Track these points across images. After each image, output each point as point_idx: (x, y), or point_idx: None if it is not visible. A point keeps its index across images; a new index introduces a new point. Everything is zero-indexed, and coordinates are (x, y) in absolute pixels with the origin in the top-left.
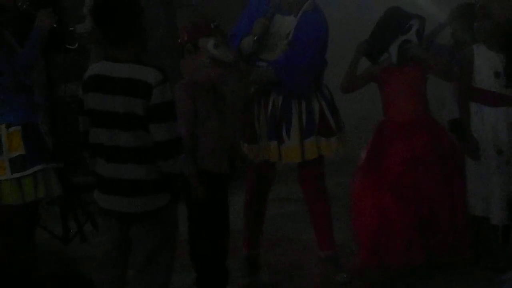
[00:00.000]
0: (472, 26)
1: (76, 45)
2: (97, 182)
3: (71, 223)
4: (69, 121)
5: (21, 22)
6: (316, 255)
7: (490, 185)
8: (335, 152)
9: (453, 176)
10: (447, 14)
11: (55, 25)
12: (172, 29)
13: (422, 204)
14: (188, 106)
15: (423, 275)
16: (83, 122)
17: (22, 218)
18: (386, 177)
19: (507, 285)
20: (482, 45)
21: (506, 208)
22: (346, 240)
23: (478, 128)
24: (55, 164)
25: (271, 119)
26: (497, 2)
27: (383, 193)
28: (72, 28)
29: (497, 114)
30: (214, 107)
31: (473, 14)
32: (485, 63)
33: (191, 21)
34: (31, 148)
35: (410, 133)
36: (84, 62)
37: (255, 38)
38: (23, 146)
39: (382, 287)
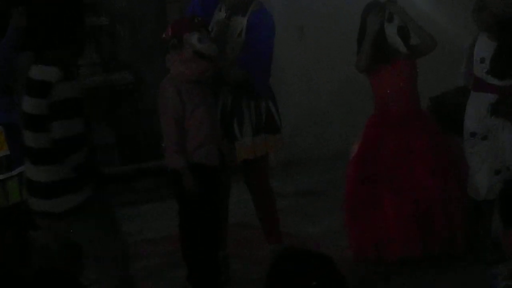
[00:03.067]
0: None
1: None
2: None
3: None
4: None
5: None
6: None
7: (471, 165)
8: (280, 148)
9: (447, 169)
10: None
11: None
12: (162, 24)
13: (418, 197)
14: (175, 100)
15: (416, 268)
16: None
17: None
18: (381, 170)
19: (499, 279)
20: (484, 33)
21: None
22: (338, 235)
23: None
24: None
25: (222, 119)
26: None
27: (378, 186)
28: None
29: (473, 99)
30: (201, 100)
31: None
32: (478, 50)
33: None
34: (15, 148)
35: (403, 126)
36: None
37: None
38: (7, 146)
39: (376, 281)
